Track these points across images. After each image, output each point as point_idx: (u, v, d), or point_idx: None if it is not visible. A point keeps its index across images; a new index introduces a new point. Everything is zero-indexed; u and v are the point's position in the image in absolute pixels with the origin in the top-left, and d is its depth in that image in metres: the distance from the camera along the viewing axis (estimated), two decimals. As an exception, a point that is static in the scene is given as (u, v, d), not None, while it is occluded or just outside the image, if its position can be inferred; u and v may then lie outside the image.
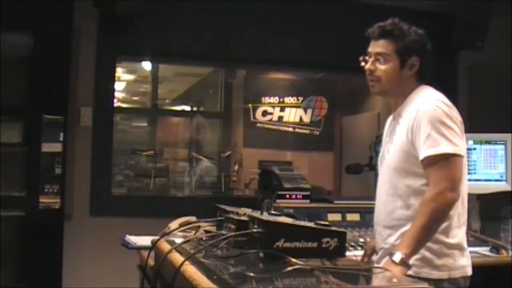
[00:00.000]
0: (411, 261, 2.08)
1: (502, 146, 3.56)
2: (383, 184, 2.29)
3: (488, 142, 3.59)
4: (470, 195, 3.49)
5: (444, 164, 2.06)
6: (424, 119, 2.11)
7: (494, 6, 4.75)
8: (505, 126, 3.90)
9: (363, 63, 2.28)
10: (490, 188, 3.54)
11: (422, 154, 2.09)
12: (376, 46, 2.23)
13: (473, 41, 4.86)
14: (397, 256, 2.00)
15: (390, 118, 2.38)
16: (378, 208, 2.31)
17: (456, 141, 2.08)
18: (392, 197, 2.21)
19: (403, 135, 2.19)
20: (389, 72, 2.21)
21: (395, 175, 2.21)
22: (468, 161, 3.54)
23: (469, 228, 3.42)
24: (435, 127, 2.08)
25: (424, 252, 2.12)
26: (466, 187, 2.22)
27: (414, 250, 2.03)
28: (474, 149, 3.59)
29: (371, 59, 2.24)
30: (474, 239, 3.24)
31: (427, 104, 2.14)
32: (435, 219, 2.04)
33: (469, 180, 3.49)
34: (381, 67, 2.22)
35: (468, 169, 3.51)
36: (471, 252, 2.96)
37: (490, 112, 4.91)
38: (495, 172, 3.56)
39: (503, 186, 3.54)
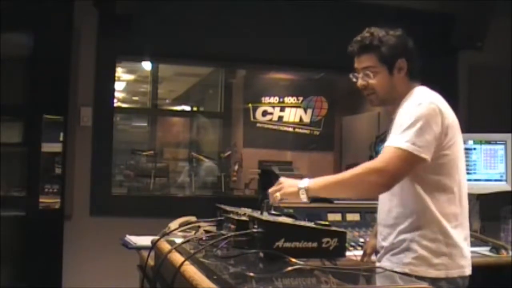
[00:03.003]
0: (408, 260, 2.11)
1: (502, 146, 3.56)
2: None
3: (488, 142, 3.58)
4: (470, 195, 3.51)
5: (397, 154, 2.05)
6: (406, 117, 2.12)
7: (494, 6, 4.75)
8: (505, 126, 3.90)
9: (354, 80, 2.30)
10: (490, 188, 3.54)
11: (386, 142, 2.12)
12: (361, 62, 2.25)
13: (473, 41, 4.85)
14: (304, 182, 2.11)
15: None
16: (379, 208, 2.33)
17: (420, 143, 2.05)
18: (389, 196, 2.23)
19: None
20: (381, 82, 2.22)
21: None
22: (468, 161, 3.55)
23: (469, 228, 3.42)
24: (411, 122, 2.08)
25: (421, 251, 2.13)
26: (463, 187, 2.22)
27: (317, 189, 2.11)
28: (474, 149, 3.59)
29: (360, 75, 2.26)
30: (474, 239, 3.23)
31: (414, 103, 2.14)
32: (352, 184, 2.11)
33: (469, 180, 3.51)
34: (372, 81, 2.23)
35: (468, 169, 3.54)
36: (471, 252, 2.96)
37: (490, 112, 4.91)
38: (495, 172, 3.56)
39: (503, 186, 3.54)
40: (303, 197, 2.10)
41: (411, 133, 2.06)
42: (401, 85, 2.24)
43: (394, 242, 2.18)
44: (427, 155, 2.06)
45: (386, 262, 2.19)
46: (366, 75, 2.23)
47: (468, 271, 2.20)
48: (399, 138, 2.08)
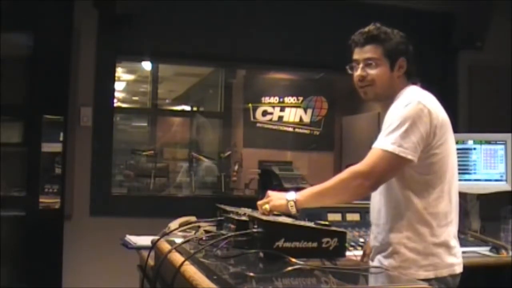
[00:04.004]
0: (397, 263, 2.11)
1: (502, 146, 3.56)
2: None
3: (488, 142, 3.59)
4: (470, 195, 3.53)
5: (383, 156, 2.07)
6: (393, 117, 2.12)
7: (494, 6, 4.75)
8: (505, 126, 3.90)
9: (350, 71, 2.29)
10: (490, 188, 3.54)
11: (374, 144, 2.12)
12: (364, 52, 2.24)
13: (473, 41, 4.86)
14: (291, 195, 2.11)
15: None
16: (370, 206, 2.34)
17: (406, 144, 2.06)
18: (378, 195, 2.24)
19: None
20: (381, 75, 2.22)
21: None
22: (468, 161, 3.55)
23: (469, 228, 3.43)
24: (398, 123, 2.09)
25: (409, 254, 2.13)
26: (454, 185, 2.20)
27: (305, 200, 2.12)
28: (474, 149, 3.59)
29: (360, 66, 2.24)
30: (474, 239, 3.24)
31: (402, 104, 2.14)
32: (339, 190, 2.11)
33: (469, 180, 3.54)
34: (373, 71, 2.22)
35: (468, 169, 3.55)
36: (471, 252, 2.98)
37: (490, 112, 4.91)
38: (495, 172, 3.56)
39: (503, 186, 3.54)
40: (292, 210, 2.10)
41: (397, 135, 2.07)
42: (398, 84, 2.25)
43: (383, 243, 2.19)
44: (413, 157, 2.07)
45: (377, 263, 2.20)
46: (368, 65, 2.22)
47: (458, 269, 2.18)
48: (386, 139, 2.09)
